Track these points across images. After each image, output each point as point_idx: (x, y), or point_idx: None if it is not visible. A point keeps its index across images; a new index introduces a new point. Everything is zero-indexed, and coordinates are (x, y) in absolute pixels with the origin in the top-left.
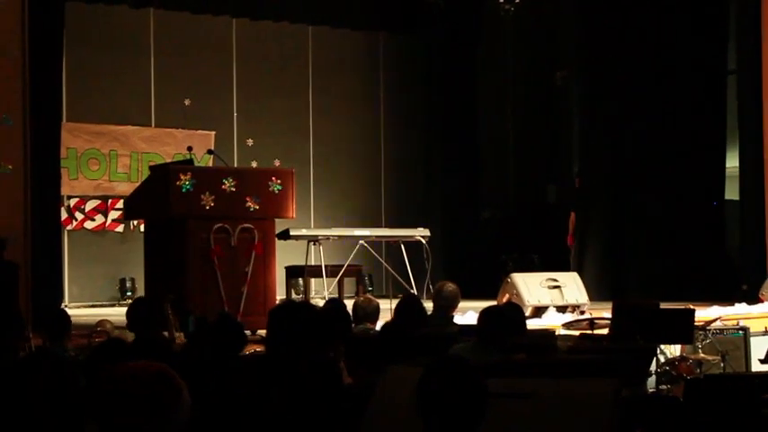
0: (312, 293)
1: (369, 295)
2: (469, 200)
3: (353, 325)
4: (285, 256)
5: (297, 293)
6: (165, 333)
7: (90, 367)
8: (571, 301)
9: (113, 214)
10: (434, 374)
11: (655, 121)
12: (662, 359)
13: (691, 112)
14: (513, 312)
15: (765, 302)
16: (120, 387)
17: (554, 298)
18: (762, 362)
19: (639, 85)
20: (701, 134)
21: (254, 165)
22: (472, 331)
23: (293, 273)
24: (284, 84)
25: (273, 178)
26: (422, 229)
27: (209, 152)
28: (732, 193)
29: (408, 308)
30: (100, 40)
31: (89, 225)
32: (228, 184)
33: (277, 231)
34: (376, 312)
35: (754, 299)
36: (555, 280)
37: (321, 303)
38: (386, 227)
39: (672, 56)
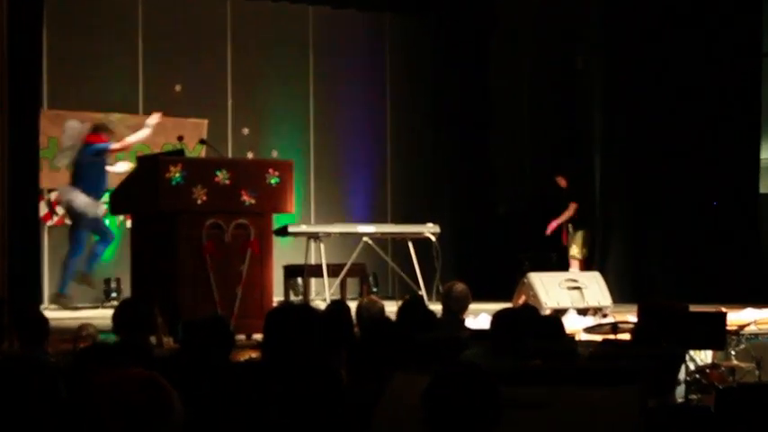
0: (312, 295)
1: (373, 296)
2: (483, 193)
3: (356, 329)
4: (283, 254)
5: (296, 295)
6: (154, 338)
7: (73, 375)
8: (592, 303)
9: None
10: (444, 382)
11: (683, 107)
12: (691, 366)
13: (723, 99)
14: (532, 315)
15: None
16: (108, 396)
17: (574, 300)
18: None
19: (667, 69)
20: (733, 122)
21: (249, 156)
22: (485, 336)
23: (292, 272)
24: (283, 68)
25: (271, 170)
26: (431, 225)
27: (202, 142)
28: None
29: (411, 310)
30: (84, 20)
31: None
32: (222, 177)
33: (274, 227)
34: (381, 315)
35: None
36: (575, 280)
37: (322, 305)
38: (392, 222)
39: (702, 37)
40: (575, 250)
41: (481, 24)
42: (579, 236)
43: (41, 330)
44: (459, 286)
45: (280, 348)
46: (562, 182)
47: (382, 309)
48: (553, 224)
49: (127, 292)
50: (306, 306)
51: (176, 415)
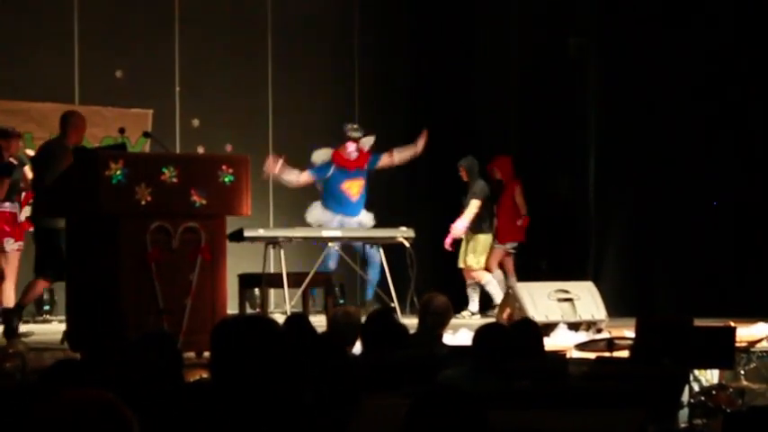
0: (271, 307)
1: (350, 307)
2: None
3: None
4: (238, 261)
5: (252, 307)
6: None
7: (37, 395)
8: (585, 316)
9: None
10: (426, 406)
11: (692, 97)
12: (696, 388)
13: (738, 86)
14: (524, 330)
15: None
16: (55, 424)
17: (565, 313)
18: None
19: (674, 54)
20: (748, 113)
21: (200, 150)
22: (466, 353)
23: (248, 282)
24: (237, 51)
25: (224, 167)
26: (405, 228)
27: (146, 135)
28: None
29: (379, 325)
30: None
31: None
32: (169, 175)
33: (228, 231)
34: (356, 330)
35: None
36: (566, 291)
37: (282, 319)
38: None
39: (715, 16)
40: (472, 260)
41: (464, 2)
42: (480, 241)
43: None
44: (440, 299)
45: (229, 367)
46: (463, 174)
47: (359, 321)
48: (459, 226)
49: (61, 304)
50: (259, 317)
51: None
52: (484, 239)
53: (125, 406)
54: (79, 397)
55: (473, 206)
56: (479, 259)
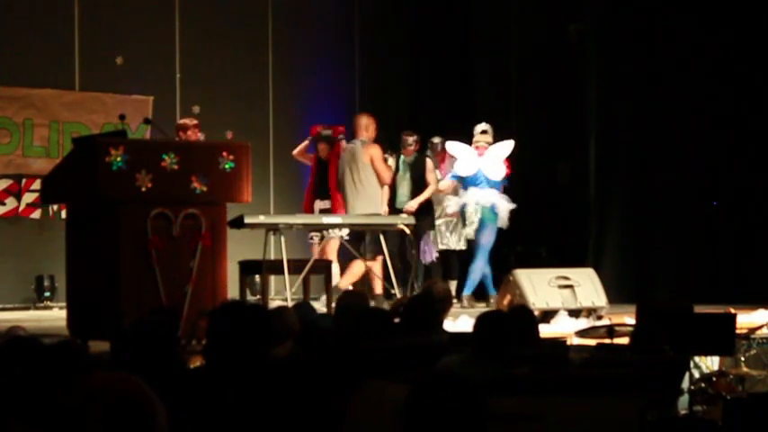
0: (272, 294)
1: (358, 290)
2: None
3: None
4: (238, 248)
5: (253, 294)
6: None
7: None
8: (586, 303)
9: (28, 197)
10: (426, 392)
11: (693, 82)
12: (696, 374)
13: (738, 73)
14: (520, 317)
15: None
16: (82, 406)
17: (565, 300)
18: None
19: (675, 40)
20: (750, 100)
21: (200, 137)
22: (466, 340)
23: (248, 269)
24: (238, 38)
25: (225, 153)
26: (405, 215)
27: (146, 121)
28: None
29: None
30: None
31: None
32: (170, 161)
33: (229, 218)
34: (366, 308)
35: None
36: (567, 278)
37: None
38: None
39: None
40: None
41: None
42: None
43: None
44: (441, 285)
45: (220, 352)
46: None
47: (367, 302)
48: None
49: (62, 290)
50: (250, 305)
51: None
52: None
53: (151, 390)
54: (105, 380)
55: None
56: None
